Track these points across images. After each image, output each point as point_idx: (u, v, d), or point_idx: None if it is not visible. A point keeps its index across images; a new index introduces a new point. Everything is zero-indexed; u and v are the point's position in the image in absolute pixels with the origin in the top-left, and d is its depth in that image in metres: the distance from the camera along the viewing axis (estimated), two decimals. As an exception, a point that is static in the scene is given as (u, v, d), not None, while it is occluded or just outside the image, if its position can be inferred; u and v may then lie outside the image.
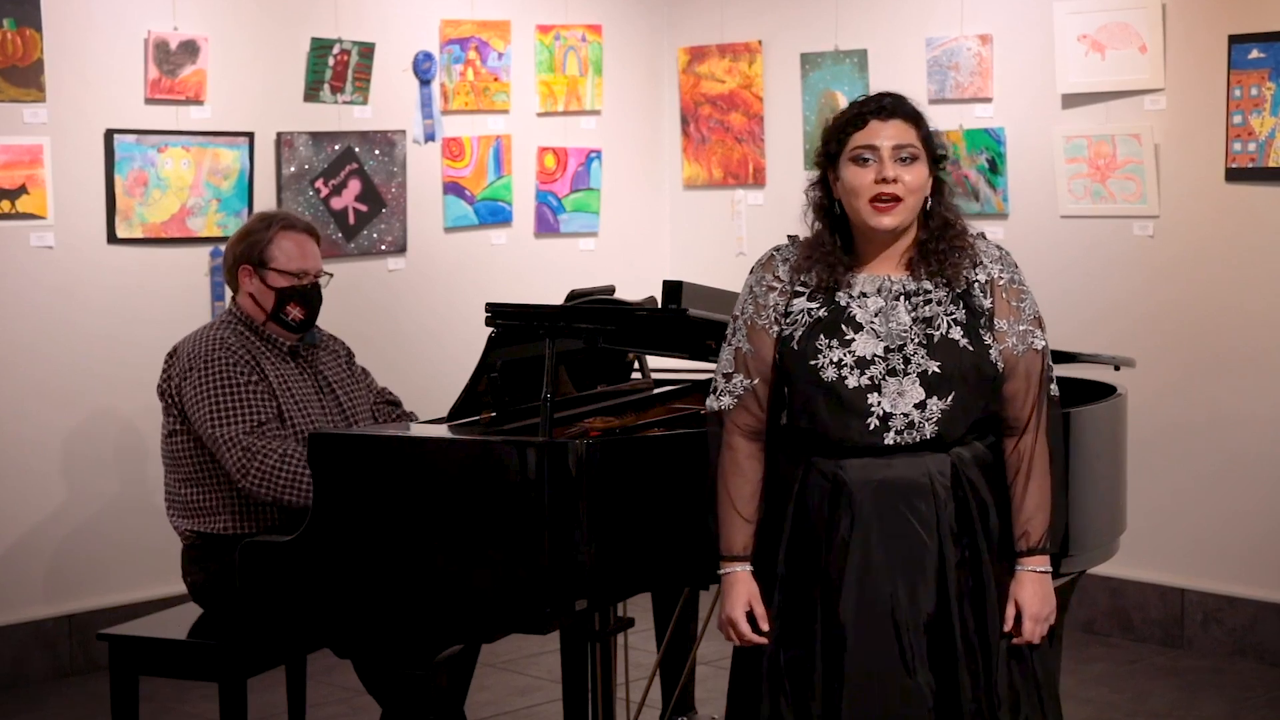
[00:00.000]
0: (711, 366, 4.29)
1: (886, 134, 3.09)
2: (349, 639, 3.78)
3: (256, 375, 4.21)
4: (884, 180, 3.07)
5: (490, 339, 3.98)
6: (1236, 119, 5.57)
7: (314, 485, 3.79)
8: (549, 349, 3.74)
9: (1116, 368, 4.45)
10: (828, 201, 3.18)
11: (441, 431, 4.00)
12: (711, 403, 3.24)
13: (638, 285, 5.41)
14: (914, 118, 3.13)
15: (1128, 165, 5.84)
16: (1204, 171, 5.70)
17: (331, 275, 4.45)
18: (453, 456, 3.68)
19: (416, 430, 4.17)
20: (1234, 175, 5.63)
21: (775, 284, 3.20)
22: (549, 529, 3.53)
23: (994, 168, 6.16)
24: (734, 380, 3.21)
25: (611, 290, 4.34)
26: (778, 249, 3.24)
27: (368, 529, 3.71)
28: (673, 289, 3.87)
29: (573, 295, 4.22)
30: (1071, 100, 5.97)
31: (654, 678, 4.66)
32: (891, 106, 3.12)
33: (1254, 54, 5.52)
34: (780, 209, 6.81)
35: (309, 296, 4.36)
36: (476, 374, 4.04)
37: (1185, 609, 5.88)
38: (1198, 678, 5.58)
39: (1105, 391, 4.21)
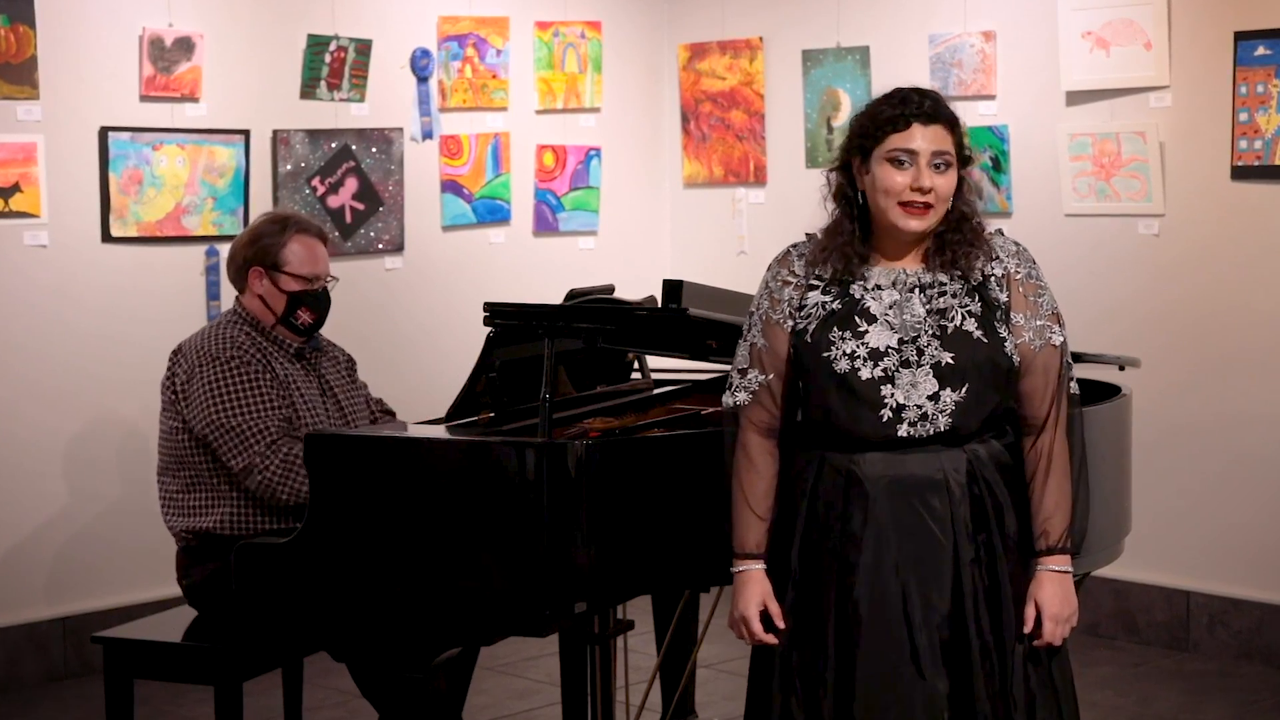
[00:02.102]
0: (712, 366, 4.30)
1: (927, 139, 3.05)
2: (346, 641, 3.76)
3: (269, 376, 4.20)
4: (919, 189, 3.05)
5: (489, 339, 3.96)
6: (1242, 116, 5.53)
7: (311, 486, 3.77)
8: (548, 349, 3.71)
9: (1121, 368, 4.44)
10: (850, 191, 3.14)
11: (439, 432, 3.99)
12: (726, 399, 3.22)
13: (637, 284, 5.37)
14: (952, 122, 3.09)
15: (1132, 163, 5.80)
16: (1210, 169, 5.66)
17: (338, 279, 4.43)
18: (451, 457, 3.66)
19: (414, 431, 4.15)
20: (1240, 173, 5.59)
21: (790, 279, 3.17)
22: (548, 530, 3.51)
23: (998, 166, 6.13)
24: (749, 376, 3.18)
25: (611, 289, 4.32)
26: (794, 245, 3.23)
27: (365, 530, 3.68)
28: (673, 288, 3.84)
29: (572, 294, 4.20)
30: (1076, 97, 5.93)
31: (654, 681, 4.65)
32: (933, 110, 3.07)
33: (1260, 50, 5.48)
34: (781, 207, 6.77)
35: (320, 301, 4.35)
36: (475, 374, 4.03)
37: (1191, 611, 5.84)
38: (1203, 681, 5.54)
39: (1110, 392, 4.19)
